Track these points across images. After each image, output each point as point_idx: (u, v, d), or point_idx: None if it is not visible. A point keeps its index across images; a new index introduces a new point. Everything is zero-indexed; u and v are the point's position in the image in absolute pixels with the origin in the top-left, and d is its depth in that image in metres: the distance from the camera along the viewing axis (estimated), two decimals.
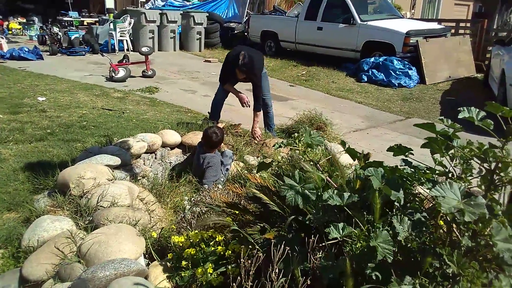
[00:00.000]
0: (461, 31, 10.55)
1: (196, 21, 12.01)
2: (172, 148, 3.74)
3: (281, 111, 6.23)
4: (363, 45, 9.47)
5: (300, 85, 8.60)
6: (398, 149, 1.54)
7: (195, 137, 3.82)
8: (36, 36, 12.34)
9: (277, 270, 1.31)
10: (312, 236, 1.37)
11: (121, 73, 7.64)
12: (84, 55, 10.39)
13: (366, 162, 1.69)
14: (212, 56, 11.40)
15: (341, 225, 1.29)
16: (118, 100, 6.28)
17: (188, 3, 14.31)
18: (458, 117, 1.49)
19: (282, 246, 1.32)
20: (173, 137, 3.71)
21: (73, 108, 5.47)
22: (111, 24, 11.14)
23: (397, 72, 8.54)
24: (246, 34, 12.80)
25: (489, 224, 1.18)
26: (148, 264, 2.03)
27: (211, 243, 1.96)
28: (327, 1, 10.27)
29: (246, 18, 13.15)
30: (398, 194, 1.27)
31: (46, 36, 10.98)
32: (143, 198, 2.55)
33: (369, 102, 7.34)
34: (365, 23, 9.48)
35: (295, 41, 11.03)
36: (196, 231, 1.96)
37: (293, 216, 1.50)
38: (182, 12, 12.24)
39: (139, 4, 15.78)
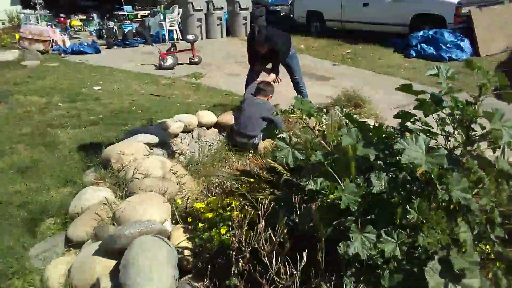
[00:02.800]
0: None
1: (242, 7, 12.17)
2: (208, 128, 3.98)
3: (322, 91, 6.27)
4: (412, 19, 9.10)
5: (344, 63, 8.49)
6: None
7: (229, 117, 4.03)
8: (95, 31, 13.19)
9: (263, 223, 1.47)
10: (299, 193, 1.51)
11: (169, 61, 8.03)
12: (137, 46, 10.98)
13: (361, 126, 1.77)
14: None
15: (320, 179, 1.41)
16: (166, 87, 6.66)
17: None
18: (426, 74, 1.55)
19: (271, 203, 1.47)
20: (208, 117, 3.95)
21: (124, 96, 5.91)
22: (161, 16, 11.64)
23: (448, 45, 8.15)
24: (291, 16, 12.75)
25: (450, 175, 1.24)
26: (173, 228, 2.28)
27: (227, 209, 2.15)
28: None
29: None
30: (368, 150, 1.36)
31: (103, 31, 11.72)
32: (175, 172, 2.80)
33: (416, 78, 7.10)
34: None
35: (341, 19, 10.84)
36: (214, 197, 2.16)
37: (284, 177, 1.64)
38: None
39: None
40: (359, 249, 1.30)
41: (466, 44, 8.14)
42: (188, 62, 8.50)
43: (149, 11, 14.83)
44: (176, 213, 2.31)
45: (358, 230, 1.30)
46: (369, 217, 1.35)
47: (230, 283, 1.60)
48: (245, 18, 12.39)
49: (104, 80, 6.91)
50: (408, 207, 1.24)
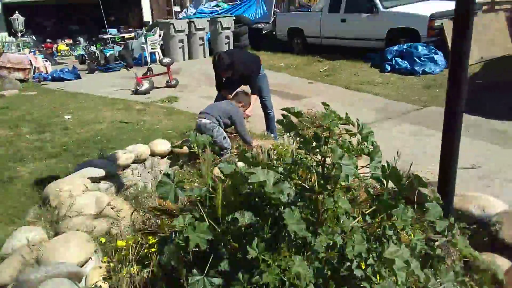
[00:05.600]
0: (498, 7, 9.88)
1: (224, 26, 12.30)
2: (163, 157, 3.99)
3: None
4: (387, 33, 9.19)
5: (321, 81, 8.55)
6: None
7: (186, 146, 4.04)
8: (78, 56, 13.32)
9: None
10: None
11: (145, 85, 8.09)
12: (119, 70, 11.07)
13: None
14: None
15: (188, 217, 1.41)
16: (137, 112, 6.69)
17: (217, 9, 14.68)
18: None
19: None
20: (162, 146, 3.96)
21: (93, 124, 5.94)
22: (143, 38, 11.77)
23: (421, 58, 8.22)
24: (274, 33, 12.88)
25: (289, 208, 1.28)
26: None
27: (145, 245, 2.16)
28: None
29: (273, 17, 13.24)
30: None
31: (85, 56, 11.84)
32: (115, 206, 2.80)
33: (387, 93, 7.15)
34: (388, 9, 9.21)
35: (320, 35, 10.95)
36: (130, 235, 2.16)
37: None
38: (209, 18, 12.60)
39: (174, 15, 16.44)
40: None
41: (439, 57, 8.21)
42: (165, 85, 8.56)
43: (134, 34, 14.98)
44: (100, 252, 2.31)
45: (199, 273, 1.31)
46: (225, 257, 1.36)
47: None
48: (227, 37, 12.50)
49: (77, 108, 6.95)
50: (248, 246, 1.25)
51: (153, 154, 3.90)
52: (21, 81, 9.56)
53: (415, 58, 8.26)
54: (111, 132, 5.48)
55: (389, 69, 8.50)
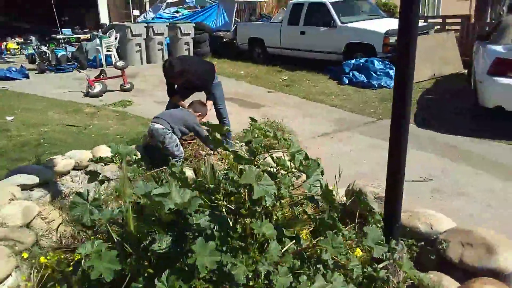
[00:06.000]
0: (449, 27, 10.39)
1: (183, 32, 12.10)
2: (106, 164, 3.74)
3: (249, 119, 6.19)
4: (345, 47, 9.38)
5: (280, 90, 8.54)
6: None
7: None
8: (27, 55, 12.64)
9: None
10: None
11: (97, 88, 7.74)
12: (71, 71, 10.56)
13: None
14: None
15: (96, 243, 1.26)
16: (88, 116, 6.35)
17: (177, 15, 14.46)
18: None
19: None
20: (106, 153, 3.71)
21: (37, 126, 5.55)
22: (98, 40, 11.33)
23: (377, 72, 8.42)
24: (234, 42, 12.83)
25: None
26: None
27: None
28: (309, 5, 10.25)
29: (234, 26, 13.20)
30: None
31: (35, 55, 11.22)
32: (46, 217, 2.55)
33: (344, 105, 7.23)
34: (345, 25, 9.40)
35: (280, 46, 11.01)
36: (53, 253, 1.96)
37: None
38: (168, 24, 12.36)
39: (132, 18, 16.02)
40: None
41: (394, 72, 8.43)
42: (120, 89, 8.23)
43: (89, 35, 14.43)
44: (25, 268, 2.07)
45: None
46: None
47: None
48: (187, 43, 12.31)
49: (21, 109, 6.50)
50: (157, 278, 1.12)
51: (96, 161, 3.64)
52: None
53: (371, 72, 8.45)
54: (56, 136, 5.13)
55: (347, 81, 8.64)
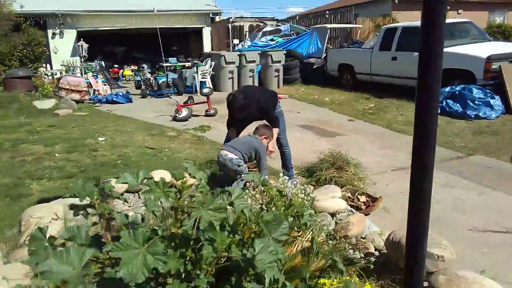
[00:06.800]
0: None
1: (274, 59, 12.37)
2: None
3: (322, 148, 5.98)
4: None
5: (362, 119, 8.15)
6: None
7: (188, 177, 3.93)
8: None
9: None
10: None
11: (184, 113, 8.25)
12: (169, 97, 11.47)
13: None
14: (287, 92, 11.56)
15: None
16: (168, 139, 6.77)
17: (272, 43, 14.87)
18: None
19: None
20: (161, 177, 3.87)
21: (120, 147, 6.08)
22: (195, 67, 12.17)
23: (476, 102, 7.56)
24: (325, 68, 12.71)
25: None
26: None
27: None
28: (402, 29, 9.73)
29: (325, 52, 13.10)
30: None
31: (141, 81, 12.46)
32: None
33: None
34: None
35: (370, 72, 10.58)
36: None
37: None
38: (260, 52, 12.76)
39: (231, 47, 16.93)
40: None
41: (497, 101, 7.49)
42: (205, 114, 8.66)
43: (191, 63, 15.61)
44: None
45: None
46: None
47: None
48: (277, 70, 12.55)
49: (114, 131, 7.20)
50: None
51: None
52: (78, 102, 10.23)
53: (468, 101, 7.63)
54: (133, 157, 5.55)
55: (439, 111, 7.89)
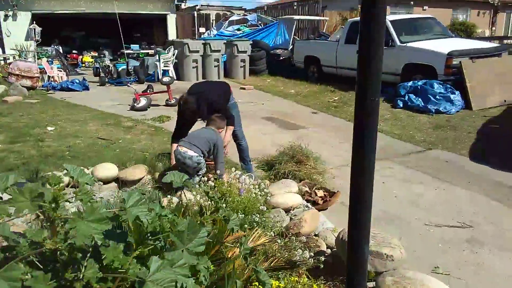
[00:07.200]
0: None
1: (240, 49, 12.12)
2: (106, 183, 3.62)
3: (283, 141, 5.82)
4: (403, 68, 8.68)
5: (326, 112, 8.07)
6: None
7: (135, 171, 3.67)
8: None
9: None
10: None
11: (142, 102, 7.89)
12: (127, 85, 10.98)
13: None
14: (253, 83, 11.36)
15: None
16: (123, 130, 6.42)
17: (238, 32, 14.60)
18: None
19: None
20: (106, 171, 3.60)
21: (70, 138, 5.69)
22: (157, 55, 11.74)
23: (437, 97, 7.62)
24: (291, 60, 12.59)
25: None
26: None
27: None
28: None
29: (292, 44, 12.98)
30: None
31: (100, 68, 11.90)
32: None
33: (392, 131, 6.58)
34: (405, 44, 8.70)
35: (336, 65, 10.54)
36: None
37: None
38: (225, 41, 12.47)
39: (197, 36, 16.50)
40: None
41: (457, 96, 7.59)
42: (165, 104, 8.34)
43: (153, 51, 15.11)
44: None
45: None
46: None
47: None
48: (243, 60, 12.31)
49: (65, 120, 6.78)
50: None
51: (95, 179, 3.55)
52: (29, 88, 9.60)
53: (429, 95, 7.68)
54: (82, 149, 5.20)
55: (401, 105, 7.94)
